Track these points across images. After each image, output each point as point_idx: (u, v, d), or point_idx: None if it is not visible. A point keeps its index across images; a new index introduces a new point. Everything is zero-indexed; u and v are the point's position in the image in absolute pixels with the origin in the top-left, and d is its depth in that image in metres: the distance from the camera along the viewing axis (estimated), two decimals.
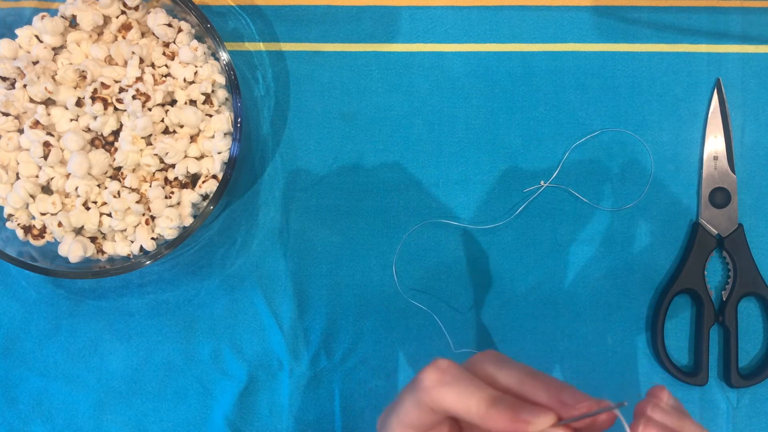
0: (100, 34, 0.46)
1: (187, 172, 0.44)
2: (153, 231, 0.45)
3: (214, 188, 0.44)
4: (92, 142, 0.44)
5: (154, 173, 0.45)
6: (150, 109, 0.44)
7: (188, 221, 0.45)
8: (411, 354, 0.49)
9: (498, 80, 0.50)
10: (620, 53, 0.50)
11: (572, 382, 0.48)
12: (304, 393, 0.49)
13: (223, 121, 0.44)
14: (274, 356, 0.49)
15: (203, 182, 0.44)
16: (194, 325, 0.49)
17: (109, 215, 0.44)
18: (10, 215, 0.45)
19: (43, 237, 0.45)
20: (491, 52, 0.50)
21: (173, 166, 0.45)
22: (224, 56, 0.44)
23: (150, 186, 0.44)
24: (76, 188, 0.44)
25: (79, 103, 0.43)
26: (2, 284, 0.50)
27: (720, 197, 0.49)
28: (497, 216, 0.49)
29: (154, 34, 0.45)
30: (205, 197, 0.45)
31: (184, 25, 0.45)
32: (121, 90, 0.43)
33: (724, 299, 0.48)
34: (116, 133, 0.45)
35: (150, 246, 0.44)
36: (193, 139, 0.45)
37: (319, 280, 0.49)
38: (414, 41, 0.50)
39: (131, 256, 0.45)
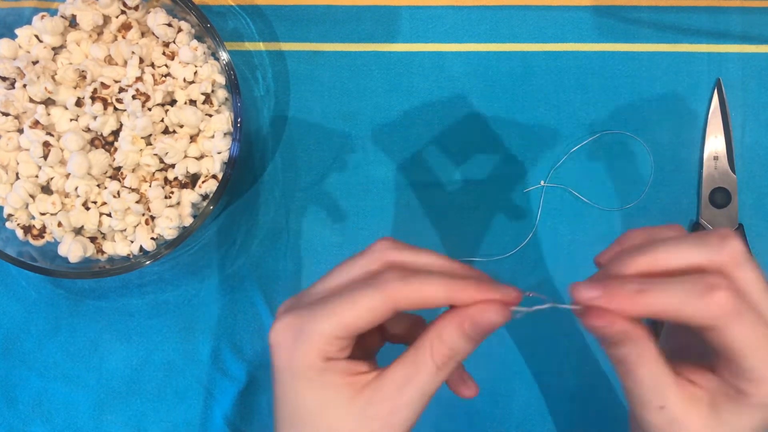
0: (100, 33, 0.46)
1: (187, 172, 0.44)
2: (153, 231, 0.45)
3: (214, 188, 0.44)
4: (92, 142, 0.44)
5: (153, 173, 0.45)
6: (150, 109, 0.44)
7: (188, 221, 0.45)
8: None
9: (498, 80, 0.50)
10: (620, 53, 0.50)
11: (572, 380, 0.48)
12: None
13: (223, 121, 0.44)
14: None
15: (203, 182, 0.44)
16: (194, 325, 0.49)
17: (109, 215, 0.44)
18: (10, 215, 0.45)
19: (43, 237, 0.44)
20: (491, 52, 0.50)
21: (173, 166, 0.45)
22: (224, 56, 0.44)
23: (150, 186, 0.44)
24: (76, 188, 0.44)
25: (79, 103, 0.43)
26: (2, 284, 0.50)
27: (720, 197, 0.48)
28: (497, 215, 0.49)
29: (154, 33, 0.45)
30: (205, 197, 0.45)
31: (184, 25, 0.45)
32: (121, 90, 0.43)
33: None
34: (116, 133, 0.45)
35: (150, 246, 0.44)
36: (193, 139, 0.45)
37: None
38: (414, 41, 0.50)
39: (131, 256, 0.45)
